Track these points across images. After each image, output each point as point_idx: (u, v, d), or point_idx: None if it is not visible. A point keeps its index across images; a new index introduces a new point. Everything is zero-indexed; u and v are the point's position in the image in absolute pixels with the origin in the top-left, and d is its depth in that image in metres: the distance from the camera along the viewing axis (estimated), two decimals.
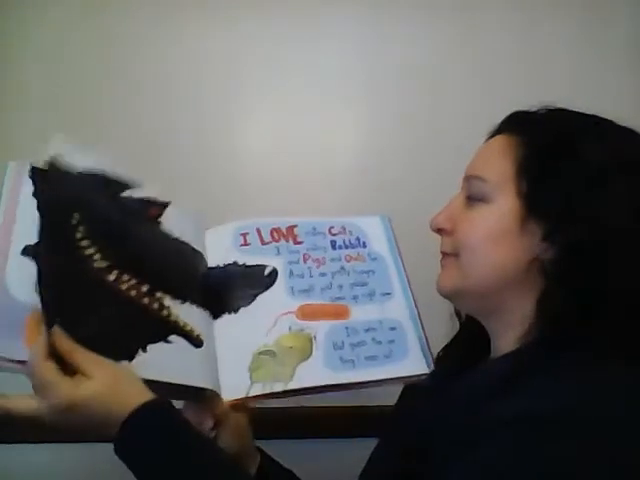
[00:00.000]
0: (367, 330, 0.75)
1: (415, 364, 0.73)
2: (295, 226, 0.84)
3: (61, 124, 1.03)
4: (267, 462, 0.72)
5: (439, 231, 0.67)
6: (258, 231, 0.82)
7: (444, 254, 0.67)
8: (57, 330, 0.57)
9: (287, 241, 0.82)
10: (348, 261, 0.82)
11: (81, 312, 0.62)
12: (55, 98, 1.05)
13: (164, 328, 0.67)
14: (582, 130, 0.61)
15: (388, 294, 0.80)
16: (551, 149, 0.59)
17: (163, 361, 0.64)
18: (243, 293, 0.77)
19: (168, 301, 0.69)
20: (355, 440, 0.88)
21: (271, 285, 0.78)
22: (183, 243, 0.76)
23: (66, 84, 1.05)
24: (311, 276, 0.79)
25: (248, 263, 0.79)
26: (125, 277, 0.66)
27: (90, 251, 0.65)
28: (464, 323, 0.72)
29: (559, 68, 1.06)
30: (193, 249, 0.77)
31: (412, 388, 0.72)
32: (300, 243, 0.82)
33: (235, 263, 0.79)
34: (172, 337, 0.67)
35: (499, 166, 0.62)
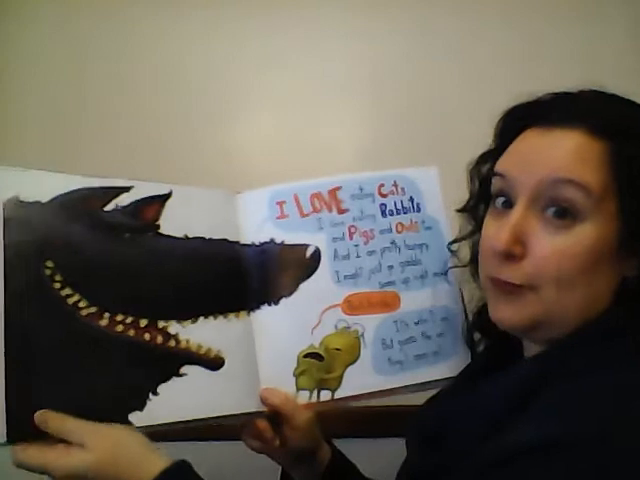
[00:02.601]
0: (417, 323, 0.70)
1: (464, 362, 0.70)
2: (339, 188, 0.71)
3: (61, 123, 1.02)
4: (338, 455, 0.72)
5: (506, 257, 0.53)
6: (296, 198, 0.70)
7: (508, 284, 0.54)
8: (39, 415, 0.53)
9: (330, 210, 0.70)
10: (399, 232, 0.72)
11: (74, 371, 0.56)
12: (55, 97, 1.03)
13: (173, 361, 0.60)
14: None
15: (442, 274, 0.72)
16: None
17: (178, 399, 0.59)
18: (284, 279, 0.68)
19: (174, 327, 0.61)
20: (357, 440, 0.90)
21: (314, 270, 0.69)
22: (193, 239, 0.65)
23: (66, 83, 1.03)
24: (358, 256, 0.70)
25: (287, 241, 0.69)
26: (119, 317, 0.58)
27: (74, 299, 0.57)
28: None
29: (560, 64, 1.02)
30: (209, 241, 0.66)
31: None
32: (345, 211, 0.71)
33: (272, 241, 0.69)
34: (185, 368, 0.61)
35: (601, 175, 0.51)
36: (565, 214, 0.51)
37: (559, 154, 0.52)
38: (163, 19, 1.03)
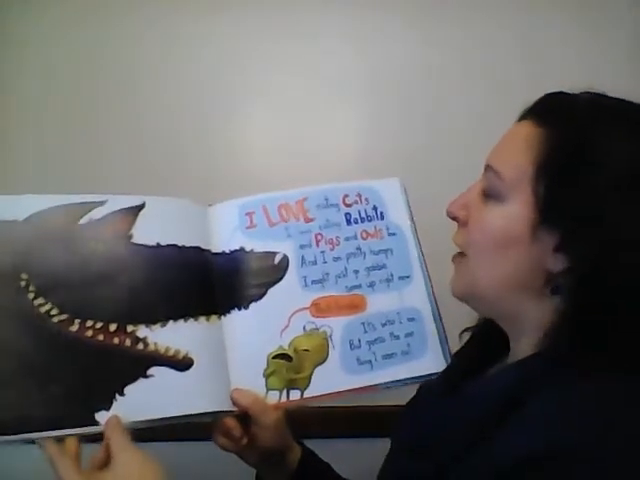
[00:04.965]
0: (384, 324, 0.72)
1: (434, 361, 0.71)
2: (305, 199, 0.75)
3: (60, 124, 1.04)
4: (308, 455, 0.73)
5: (455, 221, 0.61)
6: (265, 209, 0.74)
7: (458, 252, 0.61)
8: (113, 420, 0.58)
9: (297, 219, 0.74)
10: (364, 238, 0.75)
11: (45, 375, 0.59)
12: (55, 97, 1.05)
13: (140, 363, 0.63)
14: (612, 126, 0.53)
15: (407, 277, 0.75)
16: (572, 148, 0.52)
17: (146, 399, 0.61)
18: (253, 285, 0.71)
19: (143, 331, 0.64)
20: (356, 440, 0.93)
21: (282, 276, 0.72)
22: (166, 247, 0.68)
23: (66, 83, 1.05)
24: (324, 262, 0.73)
25: (256, 249, 0.73)
26: (89, 323, 0.62)
27: (46, 307, 0.61)
28: (483, 319, 0.68)
29: (560, 64, 1.03)
30: (182, 248, 0.69)
31: (426, 385, 0.71)
32: (311, 220, 0.75)
33: (242, 249, 0.73)
34: (152, 370, 0.63)
35: (518, 162, 0.55)
36: (489, 194, 0.57)
37: (498, 143, 0.59)
38: (162, 21, 1.05)
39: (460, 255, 0.61)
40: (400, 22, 1.06)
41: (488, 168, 0.58)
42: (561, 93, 0.58)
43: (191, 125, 1.05)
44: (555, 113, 0.55)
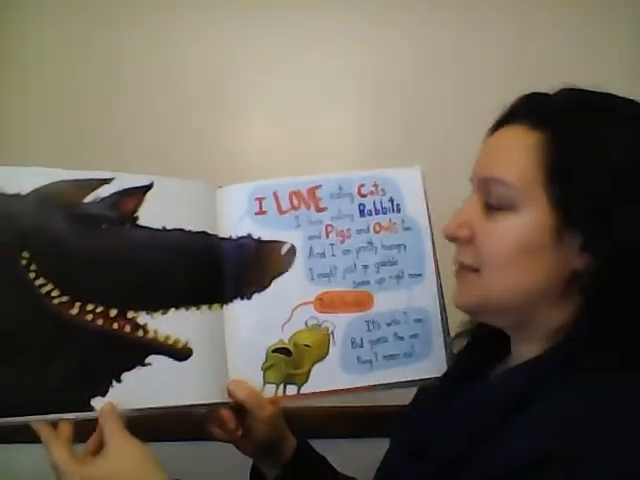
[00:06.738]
0: (390, 324, 0.70)
1: (435, 365, 0.70)
2: (319, 187, 0.72)
3: (60, 124, 1.03)
4: (302, 446, 0.73)
5: (454, 240, 0.59)
6: (275, 196, 0.71)
7: (461, 265, 0.59)
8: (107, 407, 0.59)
9: (308, 208, 0.71)
10: (377, 232, 0.72)
11: (41, 357, 0.59)
12: (54, 97, 1.04)
13: (138, 351, 0.62)
14: (613, 121, 0.53)
15: (418, 275, 0.72)
16: (579, 147, 0.52)
17: (142, 388, 0.61)
18: (258, 275, 0.70)
19: (143, 318, 0.63)
20: (357, 440, 0.93)
21: (289, 267, 0.70)
22: (171, 231, 0.66)
23: (65, 83, 1.05)
24: (333, 255, 0.71)
25: (263, 237, 0.70)
26: (89, 307, 0.61)
27: (47, 288, 0.60)
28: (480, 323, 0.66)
29: (560, 64, 1.02)
30: (188, 233, 0.67)
31: (426, 387, 0.69)
32: (323, 210, 0.71)
33: (250, 236, 0.70)
34: (150, 358, 0.62)
35: (524, 167, 0.54)
36: (496, 206, 0.55)
37: (488, 154, 0.58)
38: (163, 19, 1.05)
39: (470, 270, 0.58)
40: (401, 22, 1.05)
41: (488, 180, 0.56)
42: (539, 93, 0.57)
43: (190, 125, 1.04)
44: (544, 114, 0.54)
